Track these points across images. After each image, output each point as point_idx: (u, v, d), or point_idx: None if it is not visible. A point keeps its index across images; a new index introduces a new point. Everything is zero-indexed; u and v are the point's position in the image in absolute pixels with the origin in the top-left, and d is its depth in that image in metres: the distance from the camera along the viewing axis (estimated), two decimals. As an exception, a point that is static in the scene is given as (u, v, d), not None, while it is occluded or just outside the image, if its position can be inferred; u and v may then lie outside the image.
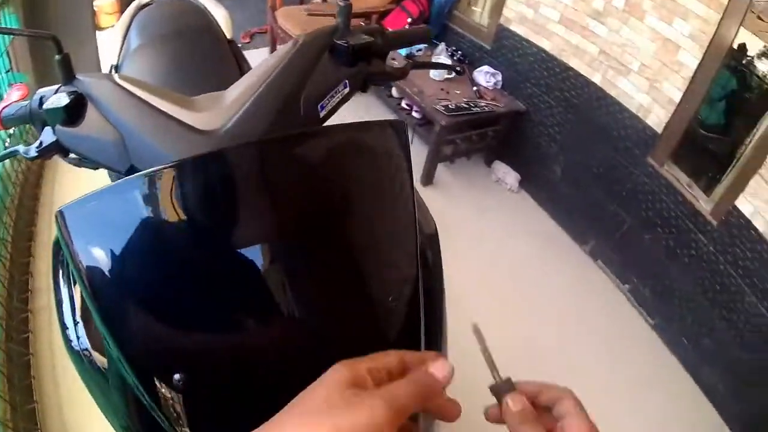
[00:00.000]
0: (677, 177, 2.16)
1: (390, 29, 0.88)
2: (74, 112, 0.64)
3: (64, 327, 0.73)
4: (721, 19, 1.86)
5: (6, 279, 1.77)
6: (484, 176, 3.08)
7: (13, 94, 0.75)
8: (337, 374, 0.38)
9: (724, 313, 1.97)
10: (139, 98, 0.64)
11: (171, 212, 0.54)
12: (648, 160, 2.25)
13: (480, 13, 3.09)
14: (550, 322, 2.24)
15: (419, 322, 0.65)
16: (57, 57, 0.67)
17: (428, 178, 2.88)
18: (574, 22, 2.44)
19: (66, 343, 0.73)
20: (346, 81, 0.74)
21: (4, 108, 0.72)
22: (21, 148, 0.72)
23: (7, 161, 1.96)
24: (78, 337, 0.71)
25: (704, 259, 2.05)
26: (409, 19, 3.13)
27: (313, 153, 0.61)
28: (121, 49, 1.47)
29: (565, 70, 2.55)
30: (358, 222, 0.63)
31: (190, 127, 0.62)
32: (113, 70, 1.42)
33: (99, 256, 0.55)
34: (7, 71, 2.20)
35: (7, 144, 1.97)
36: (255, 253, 0.55)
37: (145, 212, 0.54)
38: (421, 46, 3.14)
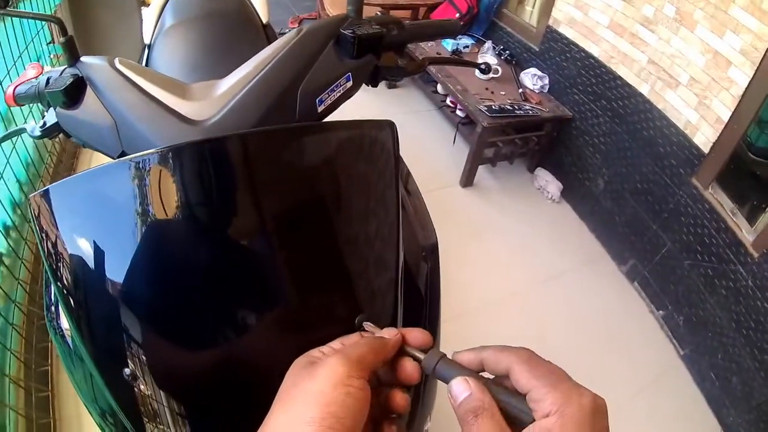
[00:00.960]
0: (721, 202, 2.00)
1: (410, 21, 0.83)
2: (73, 95, 0.65)
3: (48, 305, 0.75)
4: (775, 34, 1.69)
5: (34, 244, 1.81)
6: (526, 183, 2.98)
7: (29, 72, 0.77)
8: (295, 366, 0.41)
9: (756, 353, 1.82)
10: (135, 84, 0.64)
11: (148, 199, 0.52)
12: (692, 180, 2.10)
13: (530, 12, 2.97)
14: (578, 341, 2.16)
15: (396, 324, 0.63)
16: (61, 39, 0.68)
17: (468, 180, 2.82)
18: (624, 29, 2.29)
19: (48, 321, 0.74)
20: (350, 74, 0.70)
21: (18, 85, 0.74)
22: (29, 126, 0.76)
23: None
24: (57, 315, 0.72)
25: (742, 293, 1.90)
26: (457, 14, 3.04)
27: (297, 149, 0.59)
28: (155, 27, 1.47)
29: (613, 79, 2.40)
30: (339, 221, 0.60)
31: (181, 116, 0.62)
32: (146, 49, 1.43)
33: (68, 239, 0.55)
34: (48, 43, 2.28)
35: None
36: (230, 245, 0.54)
37: (121, 198, 0.53)
38: (468, 42, 3.06)
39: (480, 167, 2.84)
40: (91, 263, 0.54)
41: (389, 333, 0.44)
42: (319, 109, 0.67)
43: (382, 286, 0.63)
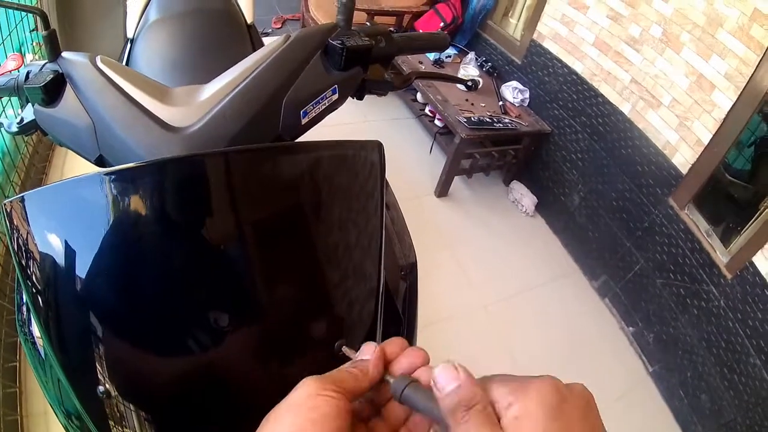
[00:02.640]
0: (697, 222, 2.04)
1: (398, 33, 0.82)
2: (53, 92, 0.63)
3: (20, 307, 0.72)
4: (761, 60, 1.73)
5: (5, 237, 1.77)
6: (501, 195, 2.98)
7: (9, 64, 0.76)
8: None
9: (726, 372, 1.85)
10: (116, 85, 0.62)
11: (124, 213, 0.52)
12: (669, 200, 2.13)
13: (515, 26, 2.99)
14: (547, 355, 2.15)
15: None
16: (43, 33, 0.65)
17: (443, 190, 2.80)
18: (609, 47, 2.32)
19: (18, 324, 0.72)
20: (336, 86, 0.68)
21: None
22: (5, 120, 0.72)
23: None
24: (28, 321, 0.69)
25: (714, 313, 1.93)
26: (442, 24, 3.05)
27: (281, 169, 0.57)
28: (139, 22, 1.42)
29: (594, 96, 2.43)
30: (320, 244, 0.59)
31: (161, 122, 0.59)
32: (128, 44, 1.38)
33: (41, 247, 0.54)
34: (32, 30, 2.20)
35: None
36: (205, 262, 0.53)
37: (96, 210, 0.52)
38: (451, 52, 3.07)
39: (456, 178, 2.83)
40: (63, 273, 0.53)
41: (368, 349, 0.40)
42: (303, 121, 0.65)
43: (362, 310, 0.62)
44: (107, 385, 0.52)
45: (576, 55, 2.51)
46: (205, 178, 0.53)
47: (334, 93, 0.68)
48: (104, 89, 0.61)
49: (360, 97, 0.81)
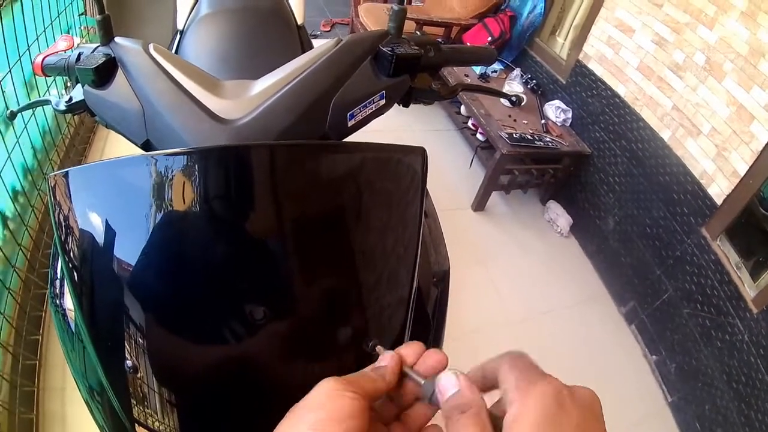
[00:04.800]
0: (727, 254, 2.00)
1: (449, 44, 0.83)
2: (104, 75, 0.64)
3: (53, 280, 0.75)
4: (801, 94, 1.70)
5: (41, 212, 1.81)
6: (537, 213, 2.98)
7: (60, 44, 0.78)
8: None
9: (744, 407, 1.80)
10: (168, 73, 0.64)
11: (167, 196, 0.52)
12: (702, 230, 2.09)
13: (561, 45, 3.00)
14: (567, 375, 2.07)
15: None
16: (98, 17, 0.67)
17: (480, 204, 2.83)
18: (652, 72, 2.31)
19: (50, 297, 0.75)
20: (384, 92, 0.69)
21: (48, 56, 0.75)
22: (53, 99, 0.75)
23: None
24: (61, 294, 0.71)
25: (737, 347, 1.88)
26: (489, 38, 3.07)
27: (324, 166, 0.58)
28: (190, 14, 1.46)
29: (636, 120, 2.42)
30: (357, 242, 0.59)
31: (210, 113, 0.61)
32: (178, 35, 1.43)
33: (81, 222, 0.55)
34: (81, 14, 2.28)
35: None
36: (243, 251, 0.54)
37: (140, 190, 0.53)
38: (497, 67, 3.09)
39: (493, 193, 2.85)
40: (101, 249, 0.54)
41: (388, 355, 0.41)
42: (349, 124, 0.67)
43: (393, 314, 0.62)
44: (135, 361, 0.53)
45: (620, 78, 2.50)
46: (250, 168, 0.54)
47: (381, 98, 0.69)
48: (156, 76, 0.63)
49: (406, 105, 0.80)
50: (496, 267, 2.57)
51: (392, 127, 3.22)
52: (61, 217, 0.57)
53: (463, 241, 2.65)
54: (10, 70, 1.48)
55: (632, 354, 2.35)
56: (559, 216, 2.86)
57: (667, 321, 2.24)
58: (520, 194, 2.99)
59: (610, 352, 2.34)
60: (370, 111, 0.68)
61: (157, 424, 0.54)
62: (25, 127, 1.68)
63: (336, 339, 0.57)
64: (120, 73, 0.65)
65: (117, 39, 0.68)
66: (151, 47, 0.68)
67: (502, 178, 2.77)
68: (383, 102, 0.69)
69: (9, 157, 1.52)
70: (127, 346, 0.53)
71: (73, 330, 0.67)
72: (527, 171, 2.77)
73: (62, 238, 0.57)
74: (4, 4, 1.50)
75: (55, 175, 0.58)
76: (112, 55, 0.65)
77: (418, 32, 0.84)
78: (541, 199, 3.03)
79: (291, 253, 0.56)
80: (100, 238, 0.54)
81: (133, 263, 0.53)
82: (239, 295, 0.54)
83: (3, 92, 1.47)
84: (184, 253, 0.54)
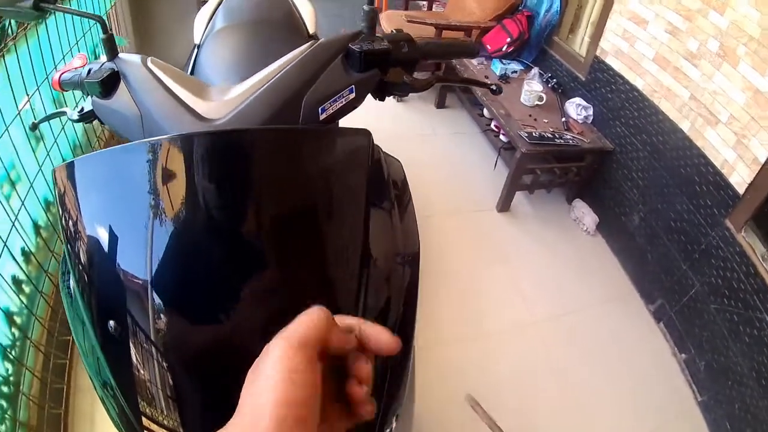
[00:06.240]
0: (753, 246, 1.91)
1: (426, 39, 0.88)
2: (108, 86, 0.73)
3: (63, 271, 0.80)
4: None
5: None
6: (563, 213, 2.94)
7: (75, 62, 0.89)
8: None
9: (773, 407, 1.72)
10: (161, 82, 0.72)
11: (157, 176, 0.61)
12: (726, 222, 2.02)
13: (580, 42, 2.96)
14: (597, 376, 2.10)
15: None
16: (102, 36, 0.77)
17: (505, 205, 2.81)
18: (668, 62, 2.25)
19: (62, 281, 0.80)
20: (353, 86, 0.74)
21: (63, 72, 0.86)
22: (68, 110, 0.87)
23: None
24: (69, 279, 0.76)
25: (765, 342, 1.80)
26: (508, 39, 3.06)
27: (278, 148, 0.66)
28: (206, 29, 1.57)
29: (655, 113, 2.36)
30: (307, 211, 0.66)
31: (196, 114, 0.69)
32: (195, 49, 1.53)
33: (84, 206, 0.64)
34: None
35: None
36: (218, 221, 0.61)
37: (135, 173, 0.62)
38: (517, 68, 3.08)
39: (518, 193, 2.83)
40: (102, 226, 0.62)
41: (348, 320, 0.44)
42: (321, 117, 0.72)
43: (344, 277, 0.67)
44: (116, 325, 0.60)
45: (637, 71, 2.44)
46: (215, 151, 0.62)
47: (351, 92, 0.74)
48: (151, 85, 0.71)
49: (381, 98, 0.86)
50: (521, 267, 2.55)
51: (418, 131, 3.26)
52: (66, 202, 0.66)
53: (488, 242, 2.64)
54: (38, 88, 1.58)
55: (661, 352, 2.28)
56: (585, 214, 2.80)
57: (695, 317, 2.16)
58: (544, 194, 2.95)
59: (639, 351, 2.27)
60: (341, 104, 0.74)
61: (161, 417, 0.59)
62: (55, 141, 1.78)
63: (295, 305, 0.62)
64: (122, 84, 0.73)
65: (121, 55, 0.77)
66: (148, 60, 0.76)
67: (525, 177, 2.76)
68: (353, 96, 0.75)
69: (40, 169, 1.62)
70: (115, 316, 0.60)
71: (75, 310, 0.72)
72: (550, 170, 2.74)
73: (66, 220, 0.65)
74: (29, 27, 1.61)
75: (59, 167, 0.67)
76: (116, 69, 0.74)
77: (394, 30, 0.89)
78: (566, 198, 2.98)
79: (251, 232, 0.63)
80: (100, 216, 0.62)
81: (128, 235, 0.61)
82: (215, 263, 0.60)
83: (33, 110, 1.57)
84: (171, 224, 0.60)
